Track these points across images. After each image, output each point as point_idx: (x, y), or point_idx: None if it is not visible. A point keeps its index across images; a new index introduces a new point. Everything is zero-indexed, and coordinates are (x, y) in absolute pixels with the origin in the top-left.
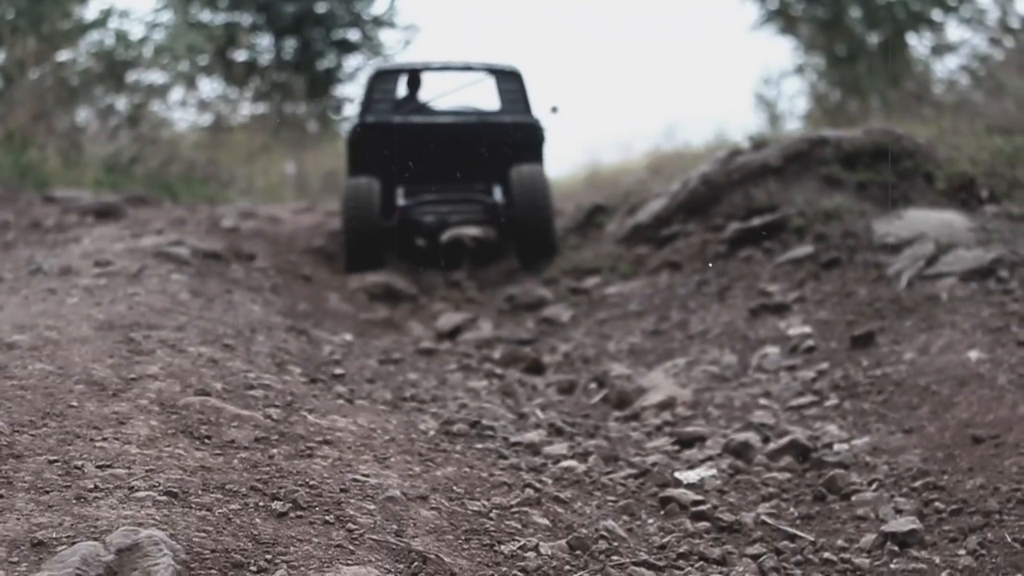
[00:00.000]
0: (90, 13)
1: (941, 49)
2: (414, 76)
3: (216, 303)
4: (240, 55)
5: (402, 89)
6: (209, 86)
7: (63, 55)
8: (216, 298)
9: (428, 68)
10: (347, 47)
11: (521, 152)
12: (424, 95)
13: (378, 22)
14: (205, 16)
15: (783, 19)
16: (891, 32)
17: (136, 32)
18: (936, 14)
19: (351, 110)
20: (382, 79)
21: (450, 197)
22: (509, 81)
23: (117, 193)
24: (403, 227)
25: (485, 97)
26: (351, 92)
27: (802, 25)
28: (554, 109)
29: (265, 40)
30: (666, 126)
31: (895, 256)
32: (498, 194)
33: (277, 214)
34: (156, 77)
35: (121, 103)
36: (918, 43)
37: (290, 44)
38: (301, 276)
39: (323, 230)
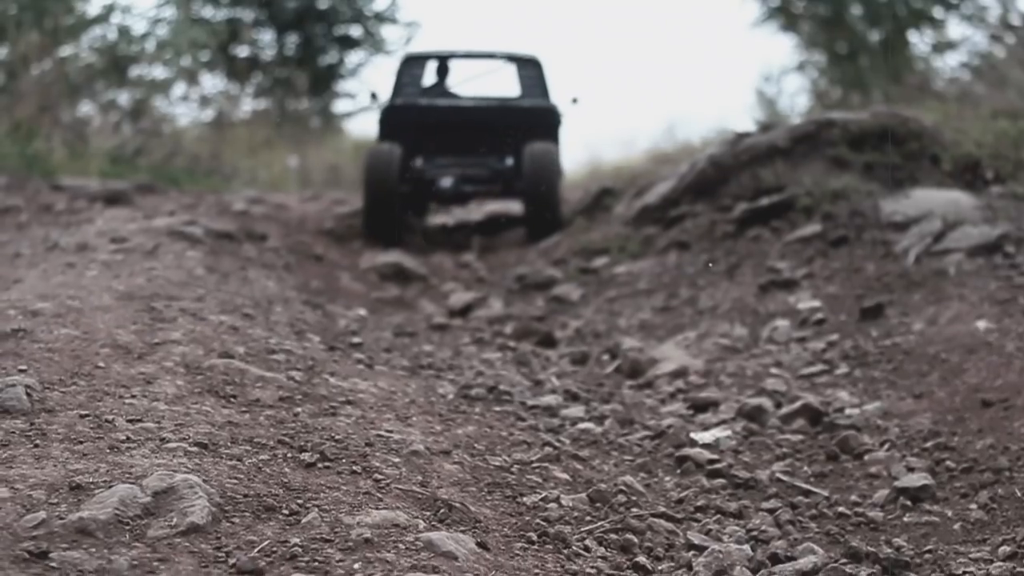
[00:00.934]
0: (93, 8)
1: (942, 46)
2: (441, 62)
3: (232, 278)
4: (242, 51)
5: (430, 74)
6: (211, 82)
7: (66, 50)
8: (231, 274)
9: (454, 55)
10: (349, 43)
11: (536, 132)
12: (451, 81)
13: (380, 18)
14: (207, 12)
15: (784, 16)
16: (892, 29)
17: (138, 27)
18: (937, 11)
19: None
20: (411, 64)
21: (462, 161)
22: (529, 68)
23: (124, 182)
24: (418, 188)
25: (508, 84)
26: (353, 88)
27: (803, 22)
28: (574, 100)
29: (267, 36)
30: (667, 124)
31: (902, 233)
32: (508, 161)
33: (284, 202)
34: (158, 72)
35: (123, 98)
36: (919, 41)
37: (292, 40)
38: (313, 256)
39: (332, 213)
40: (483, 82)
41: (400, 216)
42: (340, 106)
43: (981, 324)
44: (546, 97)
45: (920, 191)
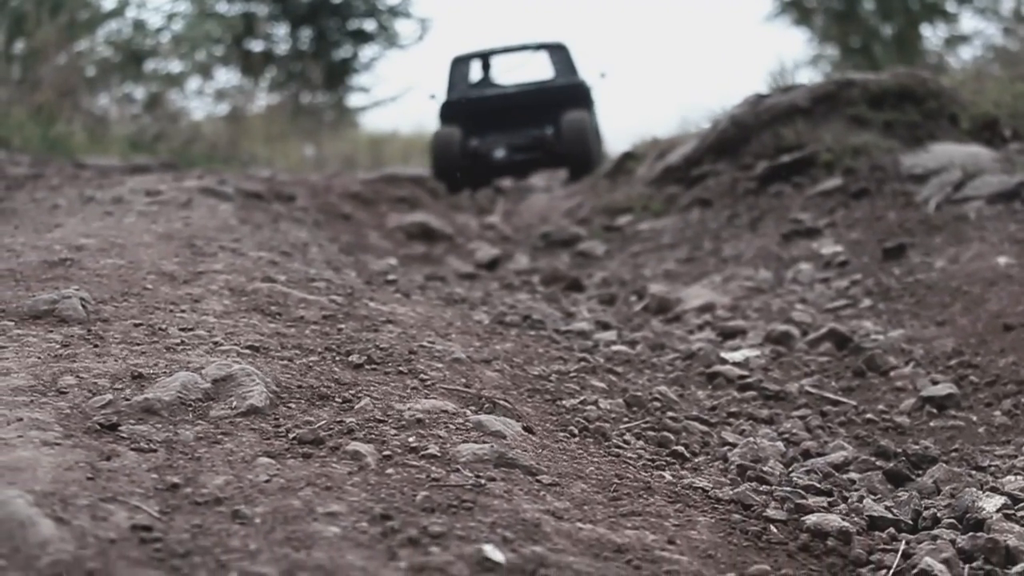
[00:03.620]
0: (108, 3)
1: (955, 40)
2: (484, 59)
3: (264, 228)
4: (257, 45)
5: (476, 70)
6: (225, 76)
7: (81, 44)
8: (264, 225)
9: (493, 52)
10: (363, 37)
11: (570, 104)
12: (494, 73)
13: (393, 12)
14: (222, 6)
15: (797, 10)
16: (905, 23)
17: (153, 22)
18: (951, 5)
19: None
20: (459, 64)
21: (509, 136)
22: (558, 53)
23: (148, 159)
24: (476, 162)
25: (542, 68)
26: (367, 82)
27: (816, 16)
28: (602, 74)
29: (281, 30)
30: (680, 118)
31: (923, 185)
32: (548, 130)
33: (307, 177)
34: (173, 66)
35: (139, 92)
36: (932, 34)
37: (306, 34)
38: (341, 215)
39: (358, 179)
40: (522, 70)
41: (462, 182)
42: (354, 99)
43: (1002, 260)
44: (575, 75)
45: (939, 146)
